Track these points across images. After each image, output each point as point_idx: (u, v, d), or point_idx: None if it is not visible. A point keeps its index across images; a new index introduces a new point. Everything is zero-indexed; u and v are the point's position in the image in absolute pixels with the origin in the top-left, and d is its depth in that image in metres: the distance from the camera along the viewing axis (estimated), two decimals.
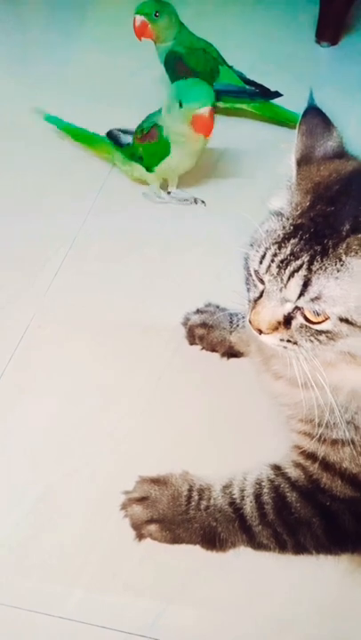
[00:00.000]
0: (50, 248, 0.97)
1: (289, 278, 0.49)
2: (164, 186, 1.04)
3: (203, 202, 1.01)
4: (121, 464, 0.71)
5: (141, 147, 0.98)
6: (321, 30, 1.42)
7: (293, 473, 0.63)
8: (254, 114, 1.19)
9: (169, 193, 1.02)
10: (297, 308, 0.50)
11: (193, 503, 0.63)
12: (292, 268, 0.49)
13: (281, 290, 0.50)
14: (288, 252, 0.49)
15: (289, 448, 0.65)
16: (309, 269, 0.48)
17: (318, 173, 0.52)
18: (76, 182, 1.05)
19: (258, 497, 0.62)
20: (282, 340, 0.52)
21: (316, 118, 0.55)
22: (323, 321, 0.49)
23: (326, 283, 0.47)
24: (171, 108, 0.91)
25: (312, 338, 0.50)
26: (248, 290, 0.57)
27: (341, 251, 0.47)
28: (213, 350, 0.81)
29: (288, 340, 0.52)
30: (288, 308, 0.51)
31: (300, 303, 0.49)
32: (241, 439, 0.71)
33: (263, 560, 0.62)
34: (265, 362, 0.63)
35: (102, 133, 1.10)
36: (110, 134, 1.07)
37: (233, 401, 0.76)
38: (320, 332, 0.50)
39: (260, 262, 0.51)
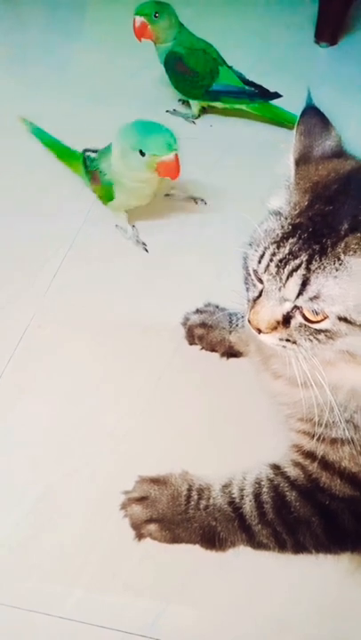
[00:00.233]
0: (50, 248, 0.97)
1: (288, 277, 0.49)
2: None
3: (203, 200, 1.00)
4: (121, 464, 0.71)
5: (91, 187, 0.96)
6: (320, 30, 1.42)
7: (293, 472, 0.63)
8: (254, 114, 1.19)
9: (133, 227, 0.98)
10: (296, 307, 0.50)
11: (192, 503, 0.64)
12: (290, 268, 0.49)
13: (280, 289, 0.50)
14: (287, 252, 0.49)
15: (288, 447, 0.65)
16: (308, 269, 0.48)
17: (317, 173, 0.52)
18: (76, 182, 1.05)
19: (257, 496, 0.62)
20: (281, 339, 0.52)
21: (314, 118, 0.55)
22: (322, 320, 0.49)
23: (325, 282, 0.47)
24: (127, 155, 0.84)
25: (311, 337, 0.50)
26: (247, 289, 0.57)
27: (340, 250, 0.47)
28: (213, 350, 0.81)
29: (287, 340, 0.52)
30: (287, 307, 0.51)
31: (299, 302, 0.49)
32: (241, 439, 0.71)
33: (263, 560, 0.62)
34: (264, 361, 0.63)
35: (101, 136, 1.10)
36: (83, 157, 1.00)
37: (233, 401, 0.76)
38: (319, 331, 0.50)
39: (259, 262, 0.51)
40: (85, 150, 0.99)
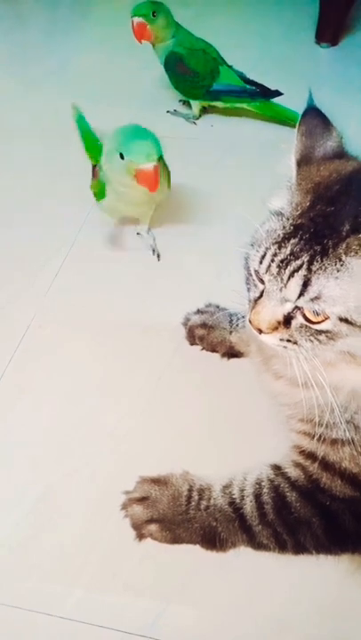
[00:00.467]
0: (50, 248, 0.97)
1: (289, 278, 0.49)
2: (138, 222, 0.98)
3: (158, 255, 0.95)
4: (121, 464, 0.71)
5: (92, 181, 0.94)
6: (321, 31, 1.41)
7: (293, 473, 0.63)
8: (255, 113, 1.19)
9: (138, 234, 0.97)
10: (297, 307, 0.50)
11: (193, 503, 0.64)
12: (292, 268, 0.49)
13: (281, 289, 0.50)
14: (288, 252, 0.49)
15: (289, 448, 0.65)
16: (309, 269, 0.48)
17: (318, 174, 0.52)
18: (77, 182, 1.05)
19: (258, 497, 0.62)
20: (282, 339, 0.52)
21: (315, 119, 0.55)
22: (322, 321, 0.49)
23: (326, 283, 0.47)
24: (111, 156, 0.83)
25: (312, 337, 0.50)
26: (248, 289, 0.57)
27: (341, 251, 0.47)
28: (214, 350, 0.81)
29: (288, 340, 0.52)
30: (288, 307, 0.51)
31: (300, 303, 0.49)
32: (241, 439, 0.71)
33: (263, 560, 0.62)
34: (265, 362, 0.63)
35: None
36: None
37: (233, 401, 0.76)
38: (320, 332, 0.50)
39: (261, 262, 0.51)
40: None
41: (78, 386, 0.79)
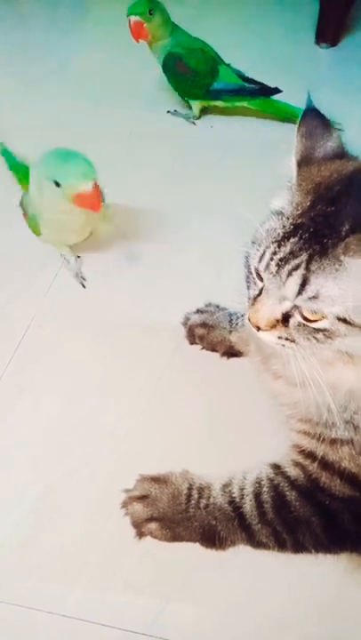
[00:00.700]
0: (50, 248, 0.97)
1: (287, 276, 0.49)
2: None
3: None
4: (121, 464, 0.71)
5: (24, 218, 0.90)
6: (321, 31, 1.41)
7: (293, 472, 0.63)
8: (256, 111, 1.19)
9: (78, 257, 0.93)
10: (295, 306, 0.50)
11: (193, 502, 0.64)
12: (290, 267, 0.49)
13: (279, 288, 0.50)
14: (287, 251, 0.49)
15: (288, 447, 0.65)
16: (308, 268, 0.48)
17: (319, 174, 0.53)
18: None
19: (257, 496, 0.62)
20: (280, 337, 0.52)
21: (315, 120, 0.55)
22: (320, 319, 0.49)
23: (324, 282, 0.48)
24: (43, 187, 0.77)
25: (310, 336, 0.51)
26: (248, 287, 0.57)
27: (340, 251, 0.47)
28: (213, 350, 0.82)
29: (286, 339, 0.52)
30: (286, 306, 0.51)
31: (298, 302, 0.49)
32: (241, 439, 0.71)
33: (262, 558, 0.63)
34: (264, 361, 0.63)
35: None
36: None
37: (233, 401, 0.76)
38: (318, 331, 0.50)
39: (260, 260, 0.52)
40: None
41: (78, 386, 0.80)
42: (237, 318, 0.78)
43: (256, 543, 0.62)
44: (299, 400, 0.58)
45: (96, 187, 0.75)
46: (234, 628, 0.60)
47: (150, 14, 1.09)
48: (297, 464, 0.63)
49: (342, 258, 0.47)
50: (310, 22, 1.44)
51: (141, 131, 1.20)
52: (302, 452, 0.63)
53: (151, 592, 0.62)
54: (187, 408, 0.76)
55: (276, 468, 0.64)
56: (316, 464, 0.61)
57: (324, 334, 0.50)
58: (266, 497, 0.62)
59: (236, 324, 0.79)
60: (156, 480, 0.66)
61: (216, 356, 0.82)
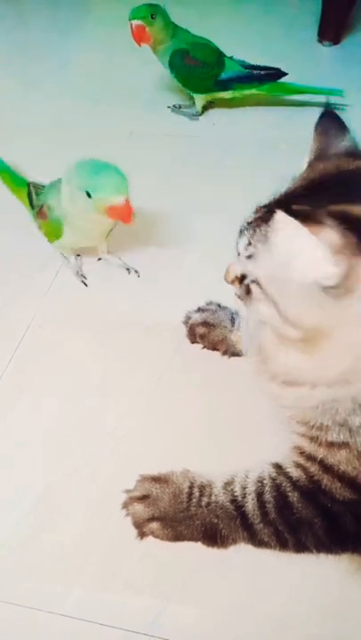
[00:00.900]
0: (50, 248, 0.97)
1: (241, 237, 0.55)
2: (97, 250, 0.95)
3: (136, 271, 0.93)
4: (121, 464, 0.71)
5: (37, 221, 0.91)
6: (323, 29, 1.41)
7: (295, 473, 0.63)
8: (265, 96, 1.19)
9: (78, 256, 0.95)
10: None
11: (194, 500, 0.64)
12: (246, 230, 0.54)
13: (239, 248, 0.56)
14: (254, 219, 0.54)
15: (290, 448, 0.65)
16: (253, 232, 0.53)
17: (323, 168, 0.55)
18: None
19: (260, 495, 0.62)
20: (235, 293, 0.59)
21: (332, 122, 0.58)
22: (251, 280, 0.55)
23: (259, 246, 0.52)
24: (74, 197, 0.78)
25: (243, 293, 0.56)
26: None
27: (270, 222, 0.51)
28: (215, 349, 0.81)
29: (239, 296, 0.58)
30: (243, 267, 0.56)
31: (242, 259, 0.55)
32: (241, 439, 0.71)
33: (264, 559, 0.62)
34: (263, 361, 0.63)
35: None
36: (28, 188, 0.94)
37: (233, 401, 0.76)
38: (248, 290, 0.55)
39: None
40: (31, 183, 0.94)
41: (78, 386, 0.80)
42: (239, 317, 0.78)
43: (258, 542, 0.62)
44: (293, 400, 0.58)
45: (128, 201, 0.75)
46: (235, 628, 0.60)
47: (152, 18, 1.10)
48: (298, 465, 0.63)
49: (270, 228, 0.51)
50: (312, 20, 1.44)
51: (141, 131, 1.20)
52: (303, 453, 0.62)
53: (152, 592, 0.62)
54: (187, 408, 0.76)
55: (279, 467, 0.64)
56: (316, 466, 0.61)
57: (247, 292, 0.55)
58: (268, 497, 0.62)
59: (238, 324, 0.79)
60: (156, 480, 0.66)
61: (217, 355, 0.81)
